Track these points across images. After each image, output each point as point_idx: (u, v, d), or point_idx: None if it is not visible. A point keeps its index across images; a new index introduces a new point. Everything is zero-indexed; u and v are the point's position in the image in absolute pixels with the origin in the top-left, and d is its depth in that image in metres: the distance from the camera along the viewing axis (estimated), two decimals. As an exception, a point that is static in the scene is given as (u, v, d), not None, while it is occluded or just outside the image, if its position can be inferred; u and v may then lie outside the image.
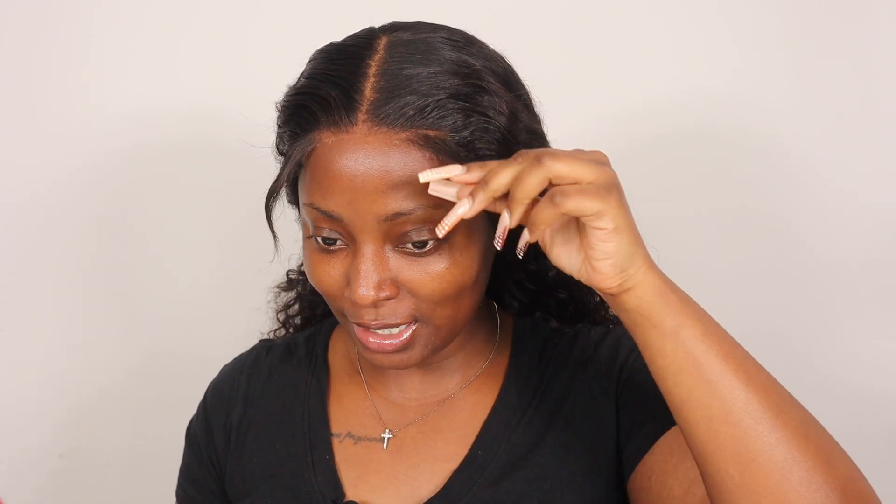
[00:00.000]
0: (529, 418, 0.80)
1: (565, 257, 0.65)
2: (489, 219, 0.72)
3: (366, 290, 0.69)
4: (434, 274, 0.70)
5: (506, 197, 0.63)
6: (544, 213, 0.60)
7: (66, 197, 1.22)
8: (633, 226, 0.62)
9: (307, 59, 0.75)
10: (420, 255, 0.69)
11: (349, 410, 0.84)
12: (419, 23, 0.75)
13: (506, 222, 0.62)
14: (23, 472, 1.24)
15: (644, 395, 0.76)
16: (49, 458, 1.25)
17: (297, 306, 0.95)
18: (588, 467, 0.77)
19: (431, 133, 0.67)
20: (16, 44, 1.20)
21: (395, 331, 0.72)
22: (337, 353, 0.89)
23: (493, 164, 0.63)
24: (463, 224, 0.68)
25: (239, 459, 0.86)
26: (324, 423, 0.84)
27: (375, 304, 0.70)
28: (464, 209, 0.63)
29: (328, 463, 0.81)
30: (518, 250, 0.64)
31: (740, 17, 1.17)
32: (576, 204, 0.59)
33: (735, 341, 0.64)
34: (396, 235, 0.69)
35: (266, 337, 0.97)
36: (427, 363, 0.82)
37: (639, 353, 0.80)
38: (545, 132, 0.78)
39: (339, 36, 0.76)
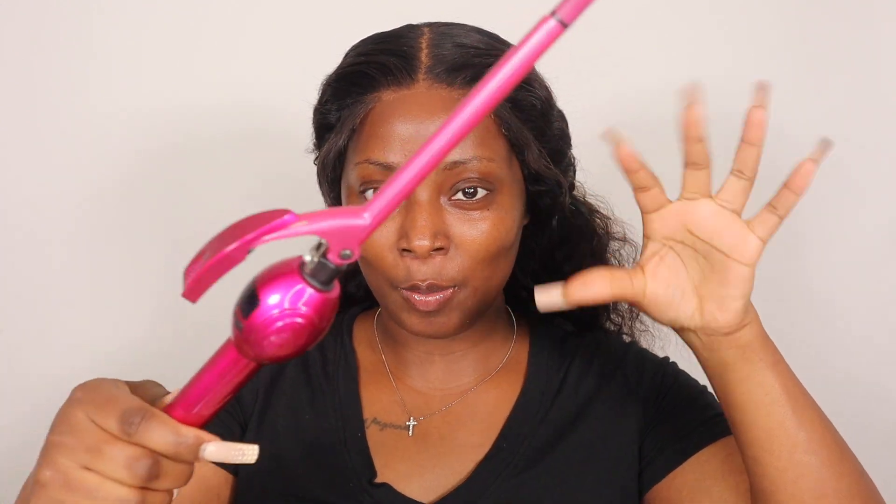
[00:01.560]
0: (553, 415, 0.82)
1: (681, 308, 0.65)
2: (525, 191, 0.77)
3: (423, 238, 0.71)
4: (482, 230, 0.74)
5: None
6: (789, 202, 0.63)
7: (81, 194, 1.21)
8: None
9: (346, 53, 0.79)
10: (471, 208, 0.73)
11: (374, 397, 0.86)
12: (453, 22, 0.80)
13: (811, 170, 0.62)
14: (23, 471, 1.23)
15: (678, 412, 0.80)
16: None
17: None
18: (607, 470, 0.80)
19: None
20: (18, 42, 1.19)
21: (442, 282, 0.74)
22: (360, 343, 0.90)
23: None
24: (506, 187, 0.74)
25: (263, 416, 0.86)
26: (356, 403, 0.85)
27: (427, 259, 0.73)
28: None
29: (361, 441, 0.83)
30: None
31: (752, 16, 1.19)
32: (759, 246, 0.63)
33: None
34: (450, 186, 0.73)
35: None
36: (449, 351, 0.84)
37: (669, 372, 0.86)
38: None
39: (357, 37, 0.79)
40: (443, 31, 0.76)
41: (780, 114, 1.15)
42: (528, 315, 0.91)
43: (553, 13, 0.44)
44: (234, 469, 0.85)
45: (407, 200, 0.72)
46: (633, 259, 0.90)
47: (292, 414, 0.86)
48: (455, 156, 0.72)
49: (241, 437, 0.86)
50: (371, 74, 0.74)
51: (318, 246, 0.49)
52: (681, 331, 0.67)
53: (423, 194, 0.72)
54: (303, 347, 0.51)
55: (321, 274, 0.49)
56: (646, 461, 0.80)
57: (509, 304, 0.90)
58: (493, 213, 0.74)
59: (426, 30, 0.77)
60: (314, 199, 0.84)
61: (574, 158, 0.85)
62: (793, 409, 0.65)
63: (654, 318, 0.66)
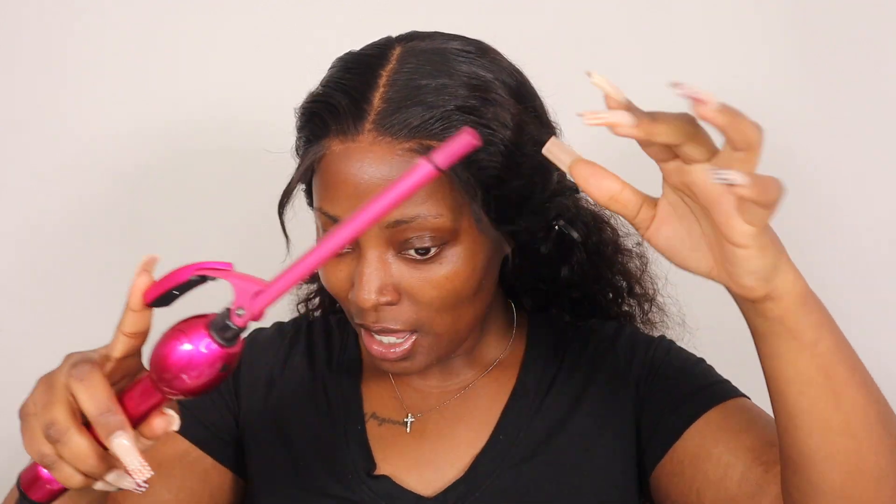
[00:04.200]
0: (549, 406, 0.83)
1: (694, 259, 0.59)
2: (494, 230, 0.74)
3: (368, 293, 0.71)
4: (434, 281, 0.72)
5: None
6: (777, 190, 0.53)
7: (74, 201, 1.21)
8: (776, 238, 0.58)
9: (328, 67, 0.77)
10: (422, 261, 0.72)
11: (374, 393, 0.87)
12: (436, 32, 0.77)
13: (739, 180, 0.51)
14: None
15: (671, 385, 0.79)
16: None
17: (317, 299, 0.97)
18: (607, 456, 0.80)
19: (434, 143, 0.69)
20: (10, 42, 1.20)
21: (396, 340, 0.75)
22: (362, 340, 0.91)
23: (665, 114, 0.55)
24: (462, 235, 0.71)
25: (260, 412, 0.87)
26: (357, 397, 0.86)
27: (377, 308, 0.73)
28: (621, 119, 0.53)
29: (361, 434, 0.84)
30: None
31: (754, 24, 1.19)
32: (764, 214, 0.54)
33: (856, 353, 0.63)
34: (399, 242, 0.71)
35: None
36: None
37: (662, 347, 0.85)
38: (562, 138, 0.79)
39: (355, 44, 0.78)
40: (412, 60, 0.72)
41: (780, 113, 1.16)
42: (525, 306, 0.91)
43: (429, 158, 0.51)
44: (232, 463, 0.86)
45: (358, 249, 0.72)
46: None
47: (294, 408, 0.87)
48: (398, 215, 0.69)
49: (236, 429, 0.87)
50: (323, 118, 0.72)
51: (227, 309, 0.56)
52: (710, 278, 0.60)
53: (371, 250, 0.71)
54: (194, 390, 0.57)
55: (224, 331, 0.56)
56: (645, 440, 0.80)
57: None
58: (448, 265, 0.72)
59: (397, 51, 0.73)
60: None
61: (566, 176, 0.78)
62: (830, 391, 0.60)
63: (670, 260, 0.60)
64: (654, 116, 0.54)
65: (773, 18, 1.19)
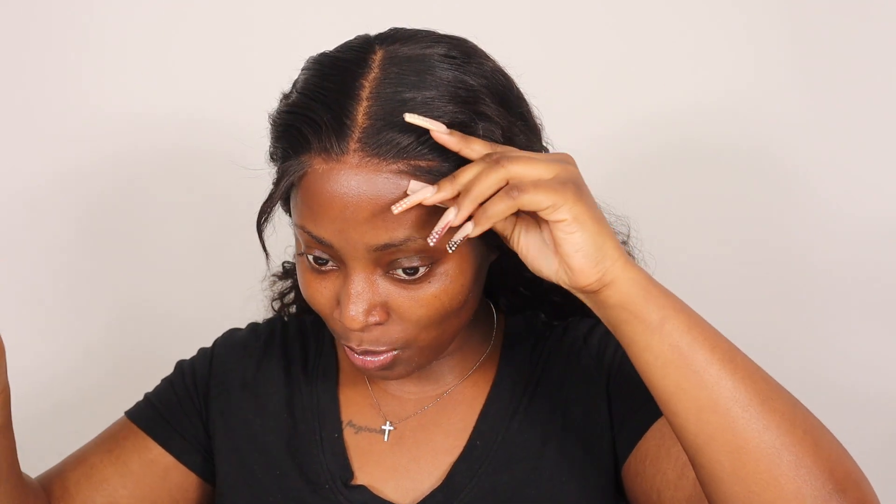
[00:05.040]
0: (525, 408, 0.82)
1: (543, 261, 0.66)
2: (482, 241, 0.73)
3: (355, 314, 0.69)
4: (423, 301, 0.70)
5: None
6: (497, 206, 0.62)
7: (60, 195, 1.21)
8: (600, 218, 0.64)
9: (301, 66, 0.74)
10: (410, 281, 0.70)
11: (349, 400, 0.85)
12: (418, 33, 0.73)
13: (449, 217, 0.63)
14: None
15: (634, 384, 0.77)
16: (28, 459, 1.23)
17: (292, 295, 0.95)
18: (586, 455, 0.79)
19: (423, 163, 0.67)
20: (11, 42, 1.19)
21: (379, 355, 0.74)
22: (342, 344, 0.89)
23: (460, 171, 0.64)
24: (456, 252, 0.70)
25: (233, 415, 0.86)
26: (334, 404, 0.84)
27: (363, 329, 0.71)
28: (450, 217, 0.63)
29: (337, 441, 0.82)
30: (450, 244, 0.65)
31: (749, 32, 1.20)
32: (530, 198, 0.61)
33: (718, 331, 0.65)
34: (387, 263, 0.69)
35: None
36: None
37: None
38: (546, 141, 0.79)
39: (336, 37, 0.75)
40: (395, 70, 0.69)
41: (780, 115, 1.18)
42: (501, 307, 0.90)
43: None
44: (199, 467, 0.85)
45: (344, 268, 0.70)
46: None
47: (268, 414, 0.85)
48: (386, 238, 0.67)
49: (203, 432, 0.86)
50: (303, 132, 0.68)
51: None
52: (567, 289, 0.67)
53: (358, 271, 0.69)
54: None
55: None
56: (614, 436, 0.79)
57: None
58: (437, 284, 0.70)
59: (378, 57, 0.70)
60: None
61: None
62: (690, 370, 0.63)
63: (530, 268, 0.67)
64: (467, 189, 0.63)
65: (768, 18, 1.20)
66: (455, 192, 0.64)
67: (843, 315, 1.22)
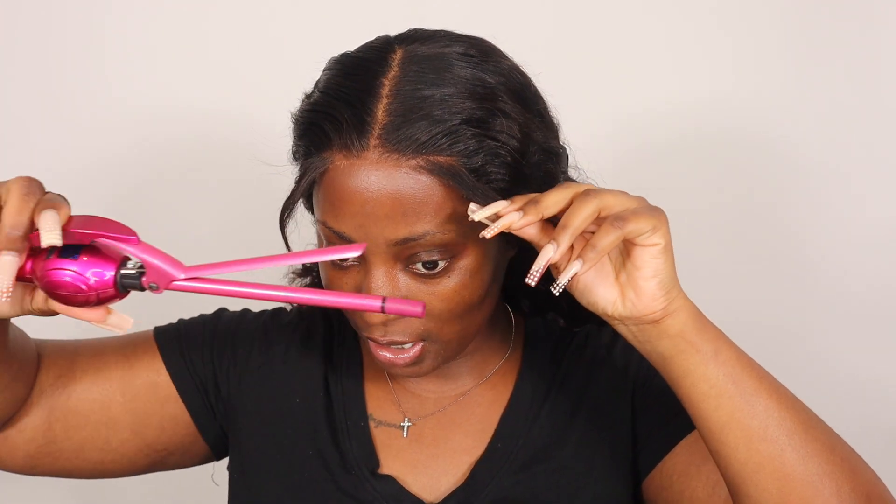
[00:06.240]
0: (546, 413, 0.82)
1: (598, 289, 0.66)
2: (501, 237, 0.73)
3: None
4: (443, 295, 0.72)
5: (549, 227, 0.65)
6: (606, 238, 0.62)
7: (74, 188, 1.22)
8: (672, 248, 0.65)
9: (323, 66, 0.76)
10: (430, 275, 0.71)
11: (373, 394, 0.86)
12: (436, 33, 0.75)
13: (550, 253, 0.62)
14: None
15: (662, 399, 0.79)
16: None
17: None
18: (606, 463, 0.80)
19: (442, 159, 0.68)
20: (33, 38, 1.21)
21: (405, 346, 0.74)
22: (363, 340, 0.89)
23: (541, 196, 0.65)
24: (471, 246, 0.71)
25: (254, 399, 0.86)
26: (359, 395, 0.85)
27: (385, 322, 0.73)
28: (551, 253, 0.63)
29: (363, 430, 0.83)
30: (556, 286, 0.65)
31: (750, 27, 1.20)
32: (634, 226, 0.62)
33: (758, 363, 0.68)
34: (406, 257, 0.70)
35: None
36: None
37: None
38: (563, 140, 0.79)
39: (356, 38, 0.76)
40: (414, 68, 0.70)
41: (783, 112, 1.19)
42: (521, 310, 0.90)
43: (383, 300, 0.62)
44: (197, 409, 0.86)
45: (365, 264, 0.71)
46: None
47: (295, 399, 0.86)
48: (405, 232, 0.69)
49: (213, 381, 0.87)
50: (325, 129, 0.70)
51: (141, 266, 0.62)
52: (611, 320, 0.67)
53: (379, 265, 0.70)
54: (62, 299, 0.62)
55: (127, 281, 0.62)
56: (638, 449, 0.80)
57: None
58: (456, 278, 0.71)
59: (398, 56, 0.71)
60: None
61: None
62: (743, 399, 0.65)
63: (578, 300, 0.68)
64: (535, 199, 0.64)
65: (773, 16, 1.20)
66: (539, 216, 0.64)
67: (843, 315, 1.22)
